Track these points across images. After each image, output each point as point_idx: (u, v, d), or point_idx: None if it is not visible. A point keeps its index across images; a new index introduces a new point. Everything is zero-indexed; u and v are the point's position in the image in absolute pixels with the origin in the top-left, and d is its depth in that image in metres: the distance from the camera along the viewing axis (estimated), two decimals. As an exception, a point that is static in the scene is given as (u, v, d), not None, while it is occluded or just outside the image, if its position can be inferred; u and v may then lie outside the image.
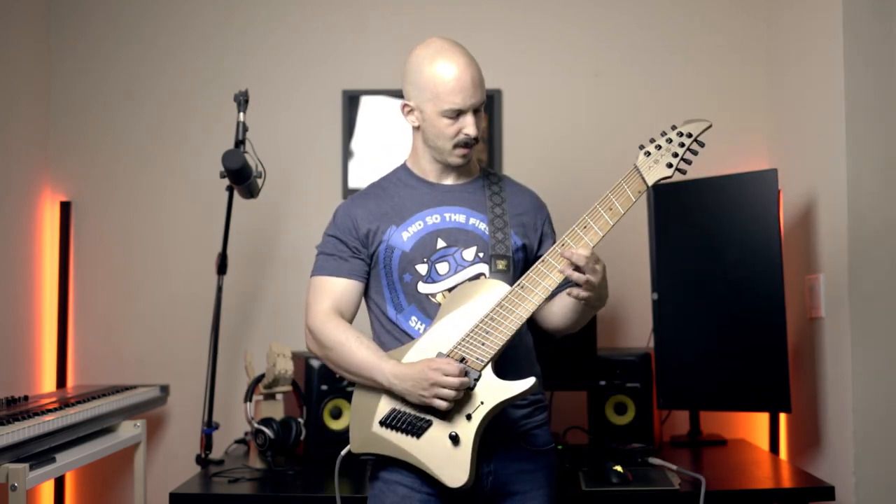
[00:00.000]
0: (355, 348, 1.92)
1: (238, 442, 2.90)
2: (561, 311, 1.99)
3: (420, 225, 2.00)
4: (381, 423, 1.89)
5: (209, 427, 2.77)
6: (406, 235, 1.99)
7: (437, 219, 2.01)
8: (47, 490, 3.02)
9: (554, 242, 2.03)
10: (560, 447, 2.70)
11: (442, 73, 1.93)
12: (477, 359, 1.83)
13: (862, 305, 2.42)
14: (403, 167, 2.10)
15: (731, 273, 2.71)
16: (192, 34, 3.23)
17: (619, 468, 2.34)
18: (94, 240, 3.17)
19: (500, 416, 1.85)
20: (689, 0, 3.21)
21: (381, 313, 2.02)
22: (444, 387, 1.78)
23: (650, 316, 2.89)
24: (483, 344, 1.84)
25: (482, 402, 1.81)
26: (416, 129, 2.03)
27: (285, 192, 3.09)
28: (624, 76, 3.20)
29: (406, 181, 2.07)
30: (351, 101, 3.17)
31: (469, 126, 1.96)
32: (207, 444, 2.74)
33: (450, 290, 1.96)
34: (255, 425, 2.54)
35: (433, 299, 1.96)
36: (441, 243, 1.99)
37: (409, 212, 2.02)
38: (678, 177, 2.87)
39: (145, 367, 3.11)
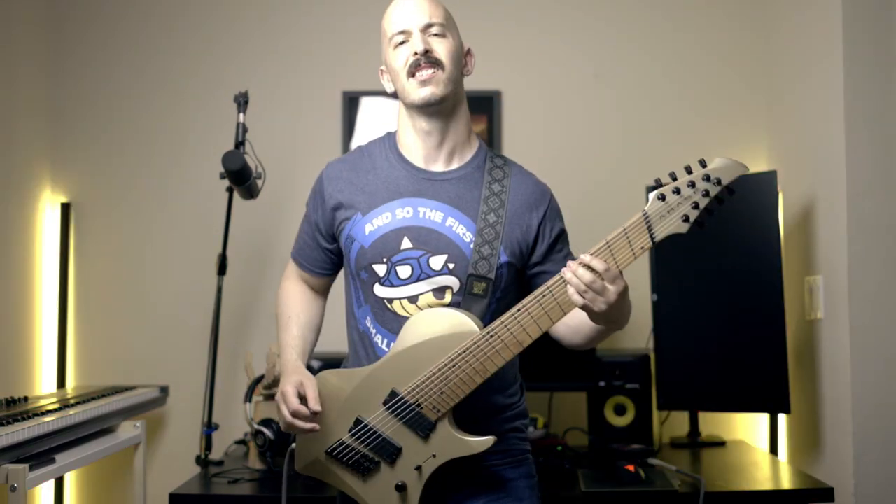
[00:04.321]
0: (282, 325, 1.91)
1: (238, 443, 2.91)
2: (573, 326, 1.78)
3: (387, 217, 1.78)
4: (328, 453, 1.80)
5: (209, 428, 2.77)
6: (369, 228, 1.78)
7: (408, 212, 1.78)
8: (47, 490, 3.02)
9: (553, 244, 1.84)
10: (559, 448, 2.71)
11: (389, 9, 1.83)
12: (433, 407, 1.68)
13: (861, 307, 2.42)
14: (392, 138, 1.88)
15: (731, 274, 2.71)
16: (192, 35, 3.23)
17: (630, 467, 2.35)
18: (95, 241, 3.17)
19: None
20: (688, 1, 3.21)
21: (349, 299, 1.89)
22: (280, 414, 1.74)
23: (650, 317, 2.89)
24: (441, 392, 1.67)
25: (434, 456, 1.69)
26: (395, 96, 1.84)
27: (285, 192, 3.09)
28: (623, 77, 3.20)
29: (388, 157, 1.85)
30: (351, 103, 3.17)
31: (415, 42, 1.75)
32: (207, 444, 2.74)
33: (409, 298, 1.76)
34: (255, 426, 2.54)
35: (389, 305, 1.78)
36: (407, 243, 1.76)
37: (379, 198, 1.79)
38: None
39: (145, 367, 3.11)
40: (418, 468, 1.70)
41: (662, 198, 1.52)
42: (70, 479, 3.09)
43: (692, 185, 1.51)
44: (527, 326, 1.62)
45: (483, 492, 1.80)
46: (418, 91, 1.75)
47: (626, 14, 3.21)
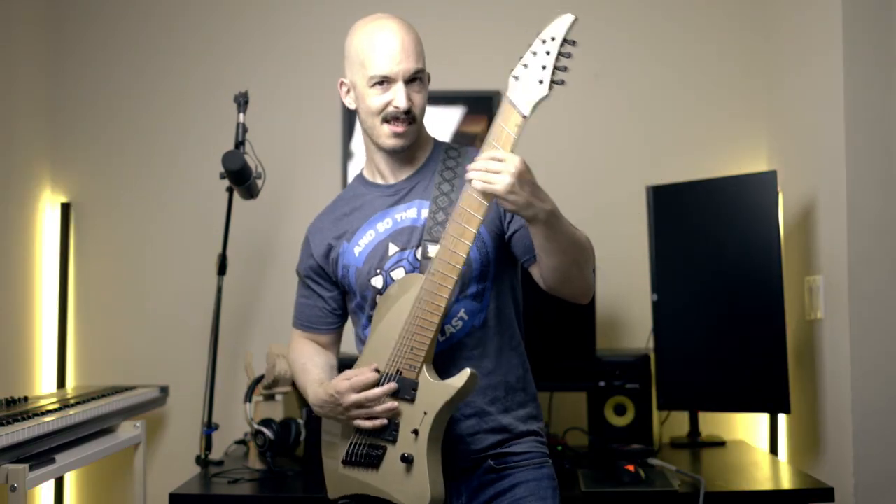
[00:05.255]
0: (299, 372, 1.92)
1: (238, 443, 2.91)
2: (539, 260, 1.76)
3: (371, 235, 1.86)
4: (344, 463, 1.81)
5: (209, 428, 2.77)
6: (357, 250, 1.86)
7: (388, 223, 1.85)
8: (47, 490, 3.02)
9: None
10: (560, 448, 2.71)
11: (369, 39, 1.78)
12: (410, 367, 1.70)
13: (861, 306, 2.42)
14: (360, 176, 1.97)
15: (731, 274, 2.71)
16: (192, 35, 3.23)
17: (630, 467, 2.35)
18: (95, 241, 3.17)
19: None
20: (689, 1, 3.21)
21: (358, 331, 1.94)
22: (351, 405, 1.71)
23: (650, 317, 2.89)
24: (412, 349, 1.70)
25: (425, 413, 1.68)
26: (356, 113, 1.87)
27: (285, 192, 3.10)
28: (623, 77, 3.19)
29: (360, 190, 1.93)
30: (351, 102, 3.17)
31: (398, 97, 1.76)
32: (207, 444, 2.74)
33: None
34: (255, 426, 2.55)
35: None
36: (393, 249, 1.83)
37: (359, 223, 1.87)
38: (678, 177, 2.92)
39: (145, 367, 3.11)
40: (415, 432, 1.70)
41: (516, 77, 1.61)
42: (70, 479, 3.09)
43: (534, 53, 1.59)
44: (453, 247, 1.66)
45: (507, 491, 1.81)
46: (390, 140, 1.81)
47: (626, 14, 3.21)
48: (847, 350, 2.43)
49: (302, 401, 2.67)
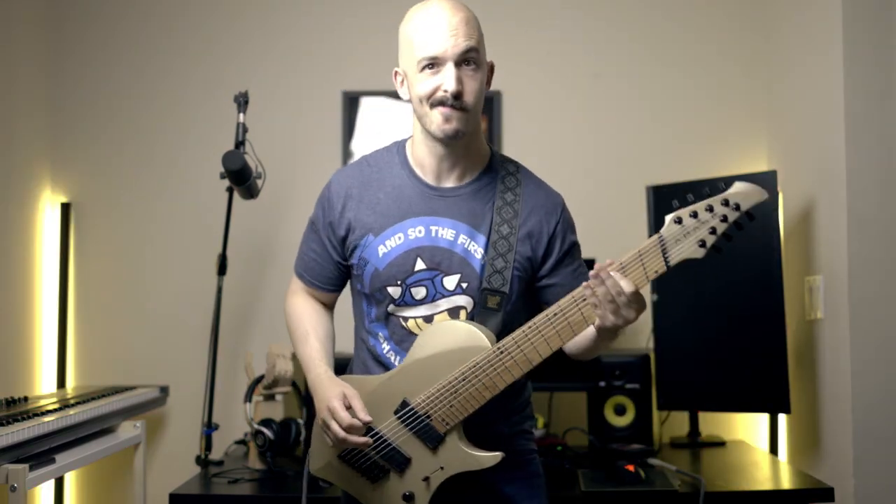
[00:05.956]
0: (299, 339, 1.85)
1: (238, 443, 2.91)
2: (576, 341, 1.73)
3: (400, 238, 1.74)
4: (340, 457, 1.78)
5: (209, 428, 2.77)
6: (382, 250, 1.75)
7: (420, 232, 1.74)
8: (47, 490, 3.02)
9: (563, 258, 1.80)
10: (559, 448, 2.71)
11: (418, 20, 1.67)
12: (442, 420, 1.67)
13: (861, 307, 2.42)
14: (402, 150, 1.81)
15: (731, 274, 2.71)
16: (192, 35, 3.23)
17: (630, 467, 2.35)
18: (95, 241, 3.17)
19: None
20: (690, 1, 3.21)
21: (359, 313, 1.87)
22: (329, 430, 1.68)
23: (650, 317, 2.89)
24: (451, 405, 1.66)
25: (442, 468, 1.69)
26: (410, 102, 1.75)
27: (285, 192, 3.10)
28: (624, 77, 3.20)
29: (399, 173, 1.78)
30: (351, 102, 3.17)
31: (448, 79, 1.63)
32: (207, 444, 2.74)
33: (424, 318, 1.75)
34: (255, 426, 2.55)
35: (404, 323, 1.76)
36: (420, 265, 1.73)
37: (391, 219, 1.75)
38: (676, 178, 2.92)
39: (145, 367, 3.11)
40: (426, 479, 1.71)
41: (679, 221, 1.49)
42: (70, 479, 3.09)
43: (710, 209, 1.47)
44: (538, 346, 1.63)
45: (488, 493, 1.79)
46: (441, 126, 1.68)
47: (626, 14, 3.21)
48: (847, 350, 2.42)
49: (302, 400, 2.67)
